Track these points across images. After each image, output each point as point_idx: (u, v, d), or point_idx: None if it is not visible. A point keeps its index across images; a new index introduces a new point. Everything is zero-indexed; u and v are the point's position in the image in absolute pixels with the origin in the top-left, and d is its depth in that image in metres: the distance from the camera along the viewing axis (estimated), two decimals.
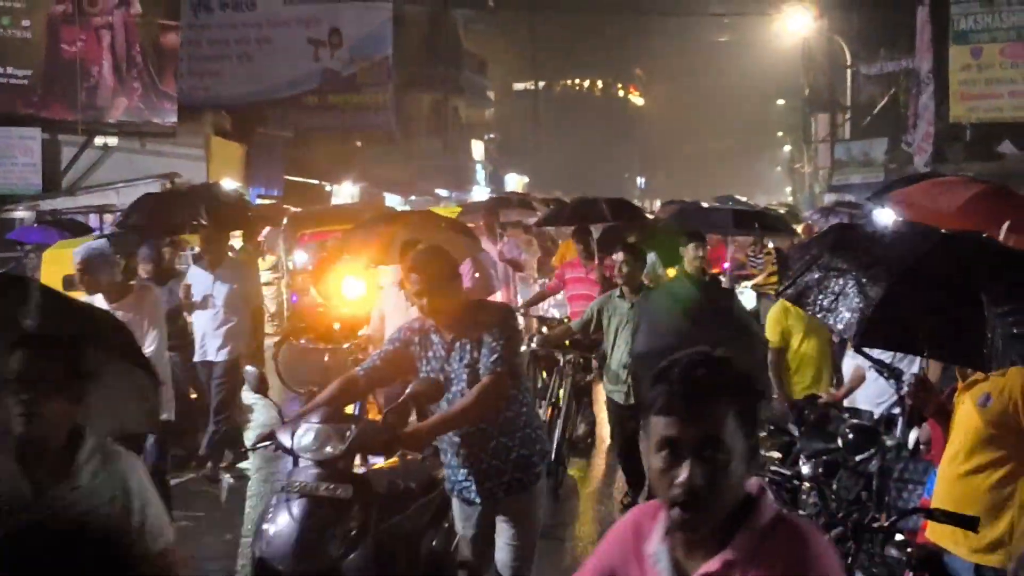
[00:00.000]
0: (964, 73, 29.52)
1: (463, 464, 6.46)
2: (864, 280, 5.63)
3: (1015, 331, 5.23)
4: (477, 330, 6.27)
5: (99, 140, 30.07)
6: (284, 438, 6.27)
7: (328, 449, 6.05)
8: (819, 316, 5.86)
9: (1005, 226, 9.49)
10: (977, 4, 29.44)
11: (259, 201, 32.72)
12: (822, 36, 43.18)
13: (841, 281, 5.73)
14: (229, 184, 28.95)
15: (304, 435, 6.13)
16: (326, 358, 16.83)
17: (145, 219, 15.20)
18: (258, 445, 6.65)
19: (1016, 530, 5.67)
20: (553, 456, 10.90)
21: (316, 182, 39.37)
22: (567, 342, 12.86)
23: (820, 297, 5.80)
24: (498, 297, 17.45)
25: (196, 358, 12.78)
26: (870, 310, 5.50)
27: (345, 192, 37.22)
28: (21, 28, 29.90)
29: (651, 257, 16.80)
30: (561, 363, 12.45)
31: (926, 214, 10.25)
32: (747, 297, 20.58)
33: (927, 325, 5.41)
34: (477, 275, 15.38)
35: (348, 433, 6.06)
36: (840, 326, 5.69)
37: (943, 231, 6.32)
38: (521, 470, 6.44)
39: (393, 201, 39.66)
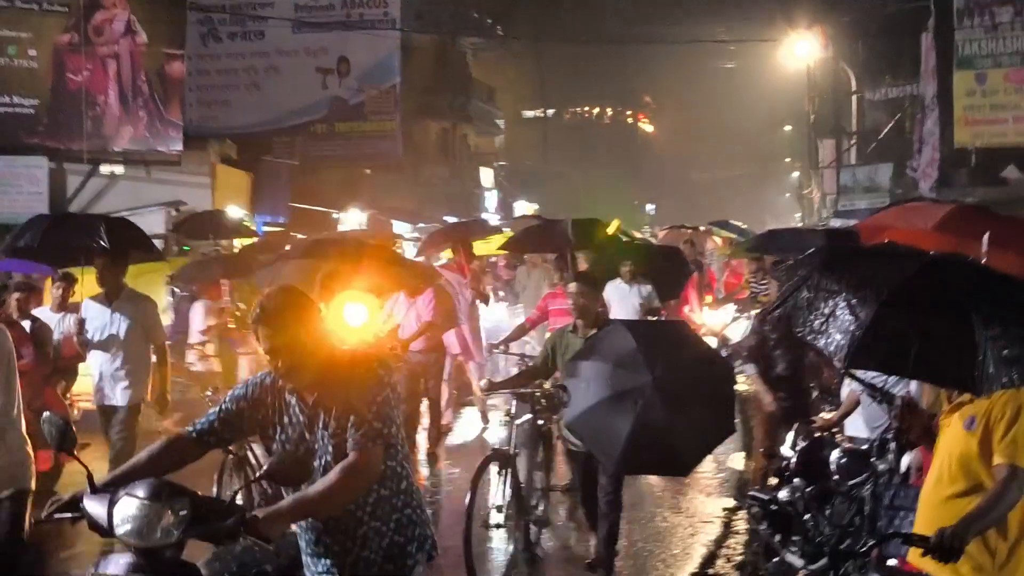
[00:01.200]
0: (969, 99, 29.50)
1: (325, 554, 5.38)
2: (854, 301, 5.62)
3: (1006, 353, 5.23)
4: (344, 391, 5.20)
5: (105, 168, 30.13)
6: (96, 510, 4.93)
7: (157, 535, 4.75)
8: (809, 338, 5.87)
9: (986, 237, 9.53)
10: (981, 30, 29.45)
11: (265, 229, 32.76)
12: (827, 62, 43.18)
13: (831, 302, 5.71)
14: (235, 212, 29.02)
15: (124, 511, 4.79)
16: None
17: (37, 243, 13.31)
18: (55, 515, 5.11)
19: (998, 555, 5.62)
20: (515, 510, 10.37)
21: (323, 209, 39.40)
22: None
23: (811, 318, 5.78)
24: (465, 331, 17.08)
25: (95, 402, 11.78)
26: (860, 332, 5.49)
27: (352, 219, 37.19)
28: (27, 58, 30.07)
29: (647, 288, 16.77)
30: (513, 406, 11.16)
31: (903, 236, 10.25)
32: (743, 322, 20.72)
33: (917, 347, 5.41)
34: (433, 305, 15.12)
35: (182, 513, 4.77)
36: (831, 348, 5.68)
37: (931, 253, 6.30)
38: (393, 560, 5.36)
39: (401, 228, 39.76)
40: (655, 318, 16.28)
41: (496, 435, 16.45)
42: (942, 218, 11.10)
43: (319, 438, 5.28)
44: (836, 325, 5.60)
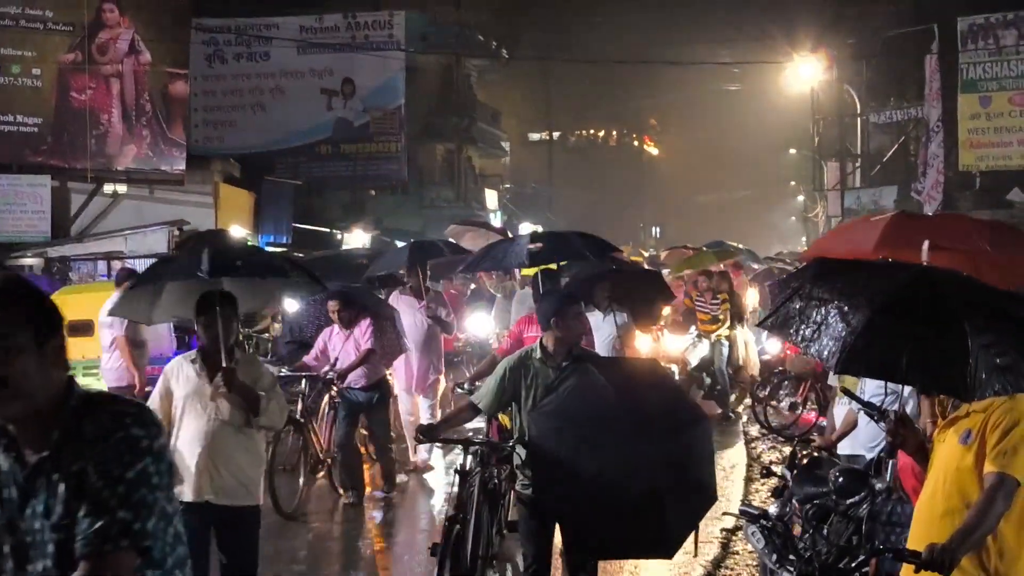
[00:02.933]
0: (973, 122, 29.59)
1: None
2: (846, 309, 5.66)
3: (998, 361, 5.23)
4: (79, 455, 3.33)
5: (108, 188, 30.21)
6: None
7: None
8: (801, 346, 5.89)
9: (925, 245, 9.56)
10: (986, 53, 29.54)
11: (268, 249, 32.76)
12: (832, 85, 43.26)
13: (823, 310, 5.76)
14: (237, 231, 29.04)
15: None
16: None
17: None
18: None
19: (994, 572, 5.54)
20: None
21: (327, 230, 39.44)
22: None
23: (802, 327, 5.83)
24: (413, 363, 15.29)
25: None
26: (852, 338, 5.52)
27: (356, 240, 37.23)
28: (31, 77, 30.21)
29: (623, 316, 15.27)
30: (464, 460, 9.50)
31: (848, 255, 10.25)
32: (702, 346, 20.34)
33: (910, 353, 5.41)
34: (372, 331, 13.69)
35: None
36: (823, 355, 5.70)
37: (922, 264, 6.29)
38: None
39: None
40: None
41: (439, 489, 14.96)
42: (880, 235, 11.10)
43: (33, 529, 3.42)
44: (828, 332, 5.62)
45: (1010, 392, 5.37)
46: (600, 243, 14.07)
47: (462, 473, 9.31)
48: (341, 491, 13.90)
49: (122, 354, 15.06)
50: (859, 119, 41.41)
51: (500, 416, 10.37)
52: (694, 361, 20.16)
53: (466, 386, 12.39)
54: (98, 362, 17.94)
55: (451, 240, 22.02)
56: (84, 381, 17.72)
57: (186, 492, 7.83)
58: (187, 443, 7.94)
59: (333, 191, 41.31)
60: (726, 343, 20.39)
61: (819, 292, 5.86)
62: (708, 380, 20.34)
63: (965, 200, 30.28)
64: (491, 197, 58.83)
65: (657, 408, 7.95)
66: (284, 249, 33.67)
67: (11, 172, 28.99)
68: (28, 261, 27.98)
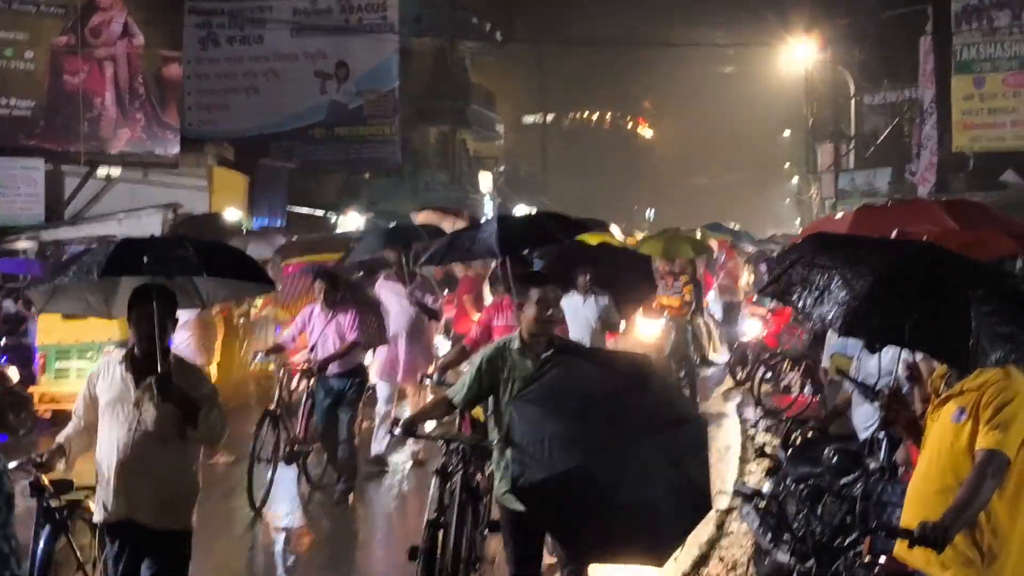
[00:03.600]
0: (967, 103, 29.52)
1: None
2: (849, 275, 5.74)
3: (998, 330, 5.28)
4: None
5: (102, 171, 30.16)
6: None
7: None
8: (804, 312, 5.95)
9: (894, 233, 9.63)
10: (979, 34, 29.46)
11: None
12: (826, 67, 43.19)
13: (826, 276, 5.83)
14: (232, 214, 28.99)
15: None
16: None
17: None
18: None
19: (987, 551, 5.57)
20: None
21: (321, 213, 39.39)
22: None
23: (804, 293, 5.91)
24: (400, 351, 14.81)
25: None
26: (856, 302, 5.60)
27: (351, 223, 37.18)
28: (24, 60, 30.17)
29: (604, 300, 14.39)
30: (447, 459, 9.02)
31: None
32: (674, 332, 19.79)
33: (913, 318, 5.47)
34: (359, 322, 13.20)
35: None
36: (827, 319, 5.78)
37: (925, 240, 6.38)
38: None
39: None
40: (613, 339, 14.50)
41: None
42: (848, 230, 11.23)
43: None
44: (831, 297, 5.69)
45: (1010, 362, 5.43)
46: (570, 223, 13.15)
47: (443, 473, 8.77)
48: (322, 483, 13.73)
49: (194, 335, 14.96)
50: (853, 100, 41.33)
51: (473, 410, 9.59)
52: (667, 348, 19.75)
53: (434, 377, 11.92)
54: (92, 345, 17.97)
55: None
56: (80, 364, 17.79)
57: (103, 510, 7.03)
58: (105, 455, 6.99)
59: (327, 174, 41.25)
60: (689, 328, 20.13)
61: (822, 260, 5.93)
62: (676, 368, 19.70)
63: (958, 182, 30.22)
64: (485, 180, 58.71)
65: (648, 405, 7.29)
66: (278, 232, 33.62)
67: (4, 155, 28.91)
68: (22, 245, 27.94)
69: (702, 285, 23.96)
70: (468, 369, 8.13)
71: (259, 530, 12.39)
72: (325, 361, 13.04)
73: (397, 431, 8.64)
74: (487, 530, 9.28)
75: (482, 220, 13.49)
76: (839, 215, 13.23)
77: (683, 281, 20.35)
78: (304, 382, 13.61)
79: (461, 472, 8.74)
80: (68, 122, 30.27)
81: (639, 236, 28.09)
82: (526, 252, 13.09)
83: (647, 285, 16.83)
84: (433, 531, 8.43)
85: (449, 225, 22.25)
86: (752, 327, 21.41)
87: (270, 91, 37.88)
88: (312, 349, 13.27)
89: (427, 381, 12.98)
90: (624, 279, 15.42)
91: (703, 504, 7.50)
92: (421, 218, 25.86)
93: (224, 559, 11.15)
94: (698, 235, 27.21)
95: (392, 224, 22.21)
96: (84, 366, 18.12)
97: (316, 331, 13.27)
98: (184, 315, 10.28)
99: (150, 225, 27.12)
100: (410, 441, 14.46)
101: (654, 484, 7.08)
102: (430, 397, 14.06)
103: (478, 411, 9.10)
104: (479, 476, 9.09)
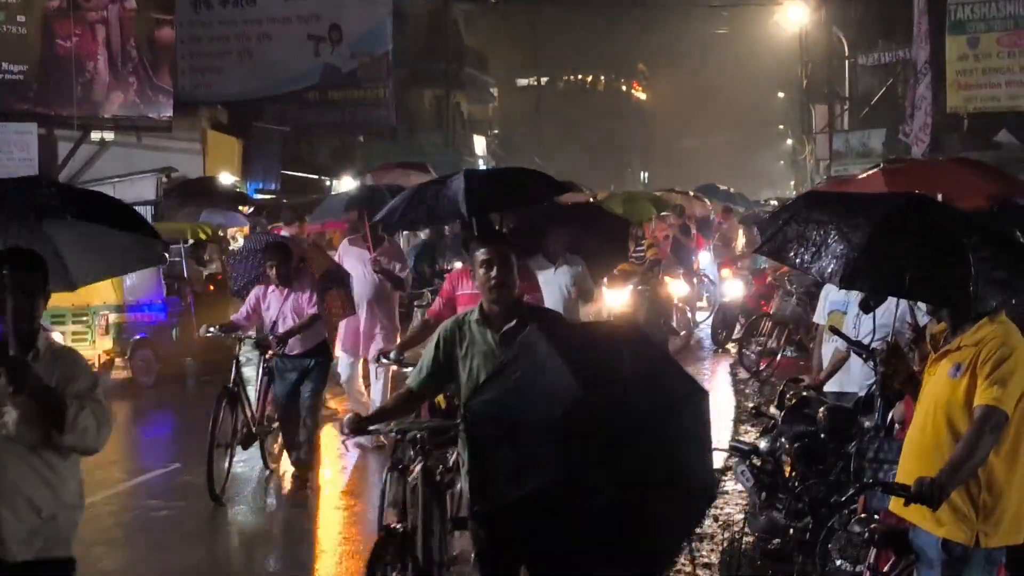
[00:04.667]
0: (961, 63, 29.47)
1: None
2: (845, 228, 5.75)
3: (994, 276, 5.33)
4: None
5: (95, 135, 30.15)
6: None
7: None
8: (801, 268, 5.98)
9: (939, 198, 9.65)
10: None
11: (257, 196, 32.72)
12: (820, 27, 43.14)
13: (823, 232, 5.84)
14: (226, 178, 28.99)
15: None
16: None
17: None
18: None
19: (982, 507, 5.60)
20: None
21: (315, 177, 39.35)
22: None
23: (801, 250, 5.91)
24: (361, 321, 13.83)
25: None
26: (855, 254, 5.61)
27: (345, 187, 37.15)
28: (16, 24, 30.02)
29: (578, 266, 12.45)
30: (400, 451, 8.01)
31: None
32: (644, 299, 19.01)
33: (912, 268, 5.51)
34: (314, 294, 12.16)
35: None
36: (825, 273, 5.79)
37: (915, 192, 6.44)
38: None
39: None
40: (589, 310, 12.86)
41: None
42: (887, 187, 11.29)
43: None
44: (829, 251, 5.71)
45: (1007, 309, 5.48)
46: (550, 183, 11.85)
47: (397, 468, 7.72)
48: (277, 467, 12.78)
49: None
50: (847, 61, 41.30)
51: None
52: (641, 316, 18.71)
53: (392, 355, 10.30)
54: (88, 309, 17.98)
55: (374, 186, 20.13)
56: (75, 328, 17.87)
57: None
58: None
59: (321, 137, 41.17)
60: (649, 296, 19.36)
61: (817, 215, 5.94)
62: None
63: (953, 142, 30.23)
64: (479, 143, 58.70)
65: (639, 388, 5.78)
66: (272, 196, 33.61)
67: None
68: None
69: (691, 247, 23.92)
70: (425, 350, 7.00)
71: (219, 522, 11.64)
72: (286, 334, 11.95)
73: (346, 420, 7.17)
74: (454, 528, 8.07)
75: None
76: (863, 175, 13.09)
77: (645, 245, 20.22)
78: (261, 359, 12.52)
79: (420, 465, 7.48)
80: (61, 86, 30.15)
81: (600, 196, 27.79)
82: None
83: (621, 250, 15.52)
84: (395, 540, 7.24)
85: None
86: (732, 288, 21.35)
87: (263, 54, 37.64)
88: (273, 329, 12.12)
89: (383, 360, 11.30)
90: (598, 243, 13.64)
91: (704, 496, 6.31)
92: (378, 175, 25.33)
93: (182, 555, 10.41)
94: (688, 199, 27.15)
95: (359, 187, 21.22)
96: (79, 330, 18.20)
97: (273, 309, 12.19)
98: None
99: (145, 189, 27.15)
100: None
101: (649, 485, 5.73)
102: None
103: (440, 398, 8.57)
104: (440, 467, 7.95)
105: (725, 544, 9.91)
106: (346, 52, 38.08)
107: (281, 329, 12.05)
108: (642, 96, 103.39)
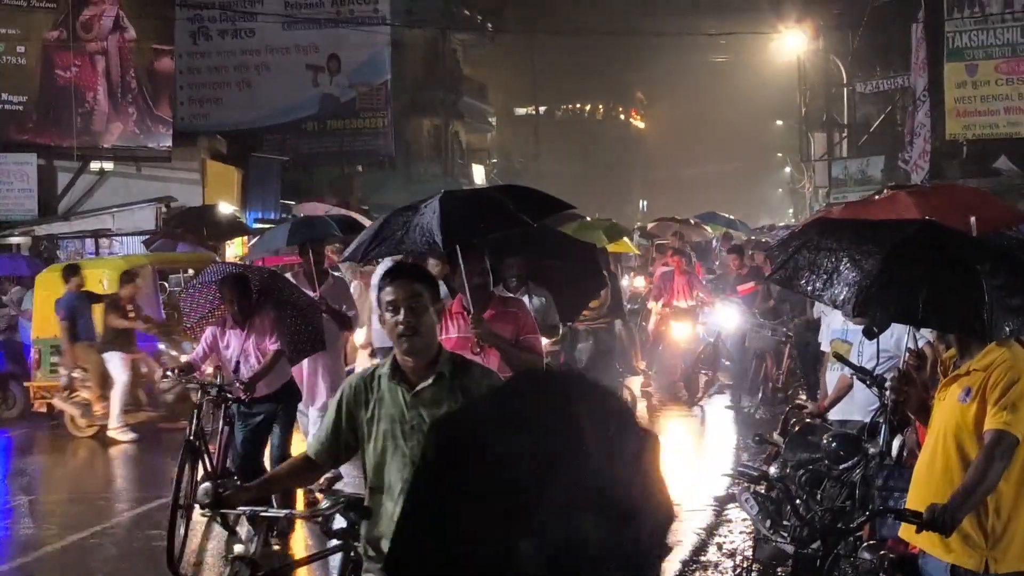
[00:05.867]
0: (959, 90, 29.57)
1: None
2: (857, 256, 5.74)
3: (1008, 303, 5.30)
4: None
5: (95, 165, 30.19)
6: None
7: None
8: (814, 296, 5.96)
9: (972, 220, 9.59)
10: (971, 21, 29.51)
11: (256, 226, 32.71)
12: (818, 55, 43.24)
13: (834, 259, 5.82)
14: (225, 208, 28.98)
15: None
16: None
17: None
18: None
19: (992, 532, 5.56)
20: None
21: None
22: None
23: (812, 278, 5.89)
24: (304, 367, 12.25)
25: None
26: (867, 282, 5.58)
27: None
28: (16, 55, 30.08)
29: (541, 299, 10.92)
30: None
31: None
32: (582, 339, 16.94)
33: (925, 295, 5.45)
34: (273, 328, 10.79)
35: None
36: (837, 301, 5.75)
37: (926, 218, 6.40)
38: None
39: None
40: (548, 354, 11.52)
41: None
42: (923, 208, 11.21)
43: None
44: (841, 279, 5.67)
45: (1020, 335, 5.44)
46: (542, 199, 10.01)
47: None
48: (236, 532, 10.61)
49: None
50: (846, 89, 41.39)
51: None
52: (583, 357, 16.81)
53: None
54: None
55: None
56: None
57: None
58: None
59: (320, 167, 41.25)
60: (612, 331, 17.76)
61: (828, 243, 5.91)
62: None
63: (952, 169, 30.29)
64: (478, 172, 58.75)
65: (581, 441, 4.34)
66: (272, 225, 33.59)
67: None
68: (15, 240, 27.94)
69: (617, 278, 20.65)
70: (329, 408, 5.64)
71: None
72: (252, 379, 10.47)
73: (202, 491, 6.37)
74: None
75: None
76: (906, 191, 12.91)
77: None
78: (222, 407, 11.02)
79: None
80: (60, 117, 30.19)
81: (634, 226, 27.75)
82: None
83: (595, 280, 13.52)
84: None
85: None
86: (728, 317, 19.95)
87: (262, 84, 37.79)
88: (236, 370, 10.73)
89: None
90: (567, 272, 12.15)
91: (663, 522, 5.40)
92: (307, 209, 24.52)
93: None
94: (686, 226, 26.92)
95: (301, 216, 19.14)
96: None
97: (234, 347, 10.79)
98: None
99: (144, 219, 27.15)
100: None
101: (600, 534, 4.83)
102: None
103: None
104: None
105: (730, 573, 9.86)
106: (344, 82, 38.24)
107: (244, 370, 10.63)
108: (641, 125, 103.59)
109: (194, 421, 10.96)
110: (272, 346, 10.67)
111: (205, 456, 10.95)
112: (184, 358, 11.77)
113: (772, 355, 18.43)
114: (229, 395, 10.65)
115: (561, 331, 12.99)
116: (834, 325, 9.72)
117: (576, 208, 12.65)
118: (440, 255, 10.00)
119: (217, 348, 10.89)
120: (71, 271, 17.14)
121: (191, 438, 10.81)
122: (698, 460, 15.33)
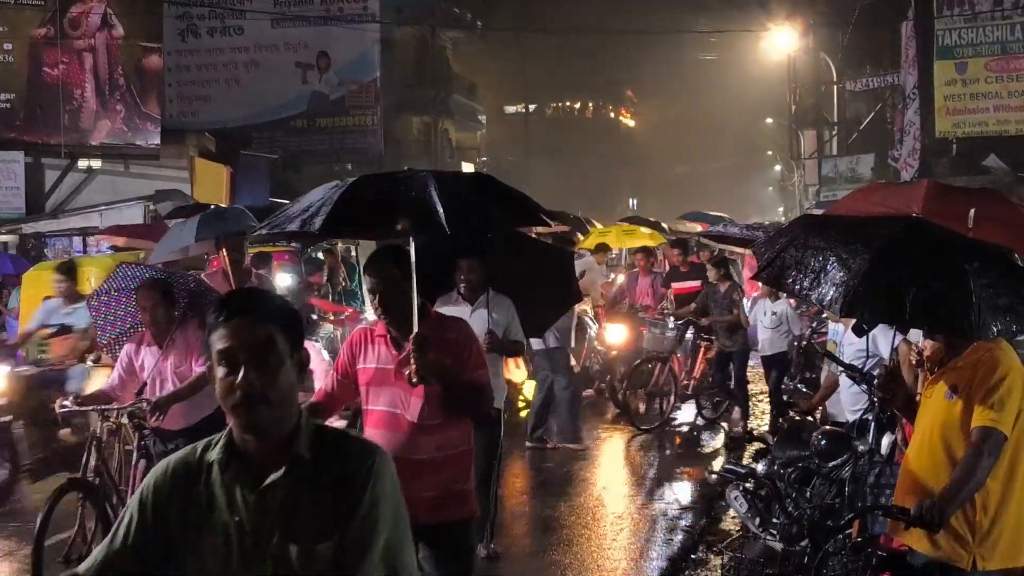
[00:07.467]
0: (949, 88, 29.60)
1: None
2: (844, 255, 5.67)
3: (997, 302, 5.27)
4: None
5: (82, 163, 30.10)
6: None
7: None
8: (801, 295, 5.91)
9: (972, 212, 9.53)
10: (961, 19, 29.53)
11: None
12: (808, 53, 43.28)
13: (821, 258, 5.77)
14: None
15: None
16: None
17: None
18: None
19: (979, 529, 5.53)
20: None
21: None
22: None
23: (800, 276, 5.83)
24: None
25: None
26: (855, 281, 5.52)
27: None
28: (3, 52, 29.99)
29: (503, 309, 9.60)
30: None
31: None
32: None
33: (913, 295, 5.41)
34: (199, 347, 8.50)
35: None
36: (824, 300, 5.70)
37: (913, 215, 6.35)
38: None
39: None
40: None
41: None
42: (923, 198, 11.09)
43: None
44: (828, 278, 5.62)
45: (1010, 335, 5.41)
46: (527, 205, 7.00)
47: None
48: None
49: None
50: (835, 87, 41.44)
51: None
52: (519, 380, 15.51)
53: None
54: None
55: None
56: None
57: None
58: None
59: (309, 165, 41.17)
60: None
61: (815, 241, 5.87)
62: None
63: (942, 167, 30.30)
64: (467, 170, 58.73)
65: None
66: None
67: None
68: (3, 238, 27.83)
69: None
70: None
71: None
72: (165, 400, 8.60)
73: None
74: None
75: None
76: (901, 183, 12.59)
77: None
78: (136, 435, 9.10)
79: None
80: (48, 114, 30.14)
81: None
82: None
83: (569, 291, 11.50)
84: None
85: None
86: (616, 335, 18.03)
87: (251, 82, 37.73)
88: (140, 393, 8.84)
89: None
90: (537, 280, 10.36)
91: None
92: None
93: None
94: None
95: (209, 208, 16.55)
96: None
97: (148, 368, 8.97)
98: None
99: (132, 217, 27.04)
100: None
101: None
102: None
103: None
104: None
105: (720, 571, 9.82)
106: (334, 80, 38.19)
107: (156, 393, 8.81)
108: (631, 123, 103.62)
109: (91, 453, 9.00)
110: (198, 367, 8.62)
111: (113, 497, 9.04)
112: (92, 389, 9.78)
113: (685, 356, 16.93)
114: (141, 421, 8.89)
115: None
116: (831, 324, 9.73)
117: (551, 225, 10.45)
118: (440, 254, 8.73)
119: (134, 370, 9.01)
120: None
121: (89, 474, 8.94)
122: (689, 456, 15.21)
